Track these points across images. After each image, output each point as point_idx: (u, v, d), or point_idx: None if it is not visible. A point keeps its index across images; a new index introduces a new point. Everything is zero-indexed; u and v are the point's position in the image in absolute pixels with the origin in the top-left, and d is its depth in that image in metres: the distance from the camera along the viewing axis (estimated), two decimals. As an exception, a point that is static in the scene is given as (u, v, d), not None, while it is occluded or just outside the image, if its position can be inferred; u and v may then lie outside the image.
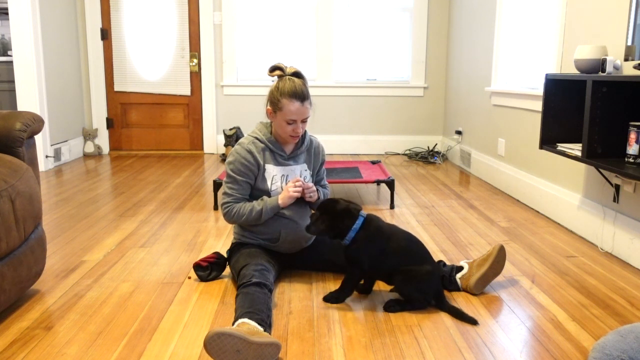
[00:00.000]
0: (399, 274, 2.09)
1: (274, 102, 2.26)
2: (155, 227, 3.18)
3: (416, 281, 2.07)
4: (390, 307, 2.10)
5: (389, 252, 2.11)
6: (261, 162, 2.30)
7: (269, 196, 2.32)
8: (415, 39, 5.85)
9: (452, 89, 5.67)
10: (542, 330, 1.97)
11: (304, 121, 2.28)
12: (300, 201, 2.38)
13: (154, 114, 5.96)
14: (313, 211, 2.49)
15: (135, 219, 3.34)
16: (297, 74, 2.29)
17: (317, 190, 2.42)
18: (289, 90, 2.22)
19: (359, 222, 2.13)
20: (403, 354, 1.79)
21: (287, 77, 2.27)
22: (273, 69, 2.29)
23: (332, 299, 2.17)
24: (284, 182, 2.34)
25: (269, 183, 2.32)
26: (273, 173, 2.32)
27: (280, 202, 2.27)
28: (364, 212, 2.17)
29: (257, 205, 2.27)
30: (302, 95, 2.23)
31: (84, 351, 1.79)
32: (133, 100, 5.91)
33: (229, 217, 2.32)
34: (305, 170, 2.42)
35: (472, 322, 2.03)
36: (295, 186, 2.27)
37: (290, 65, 2.32)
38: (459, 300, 2.20)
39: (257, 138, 2.34)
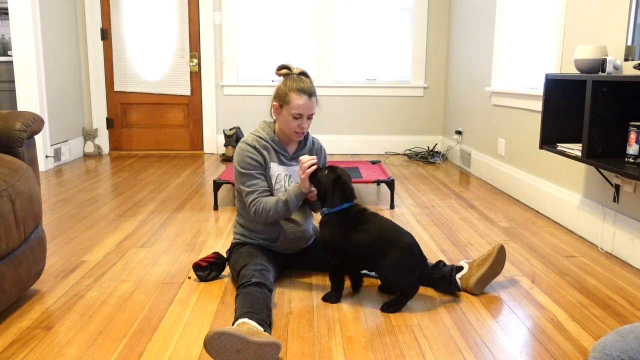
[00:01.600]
0: (377, 269, 2.10)
1: (282, 96, 2.27)
2: (155, 227, 3.18)
3: (394, 266, 2.06)
4: (388, 308, 2.10)
5: (354, 241, 2.11)
6: (267, 158, 2.31)
7: (272, 193, 2.31)
8: (415, 39, 5.85)
9: (452, 89, 5.67)
10: (542, 330, 1.97)
11: (309, 117, 2.29)
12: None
13: (154, 114, 5.96)
14: (314, 212, 2.49)
15: (135, 219, 3.34)
16: (304, 74, 2.33)
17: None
18: (297, 86, 2.26)
19: (347, 205, 2.16)
20: (403, 354, 1.79)
21: (295, 75, 2.30)
22: (280, 68, 2.32)
23: (329, 298, 2.18)
24: (287, 182, 2.33)
25: (273, 181, 2.31)
26: (277, 172, 2.32)
27: (302, 187, 2.19)
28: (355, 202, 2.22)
29: (282, 196, 2.22)
30: (309, 91, 2.26)
31: (84, 351, 1.79)
32: (133, 100, 5.91)
33: (259, 216, 2.24)
34: None
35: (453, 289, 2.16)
36: (304, 164, 2.16)
37: (297, 66, 2.36)
38: (459, 300, 2.20)
39: (260, 137, 2.34)
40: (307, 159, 2.18)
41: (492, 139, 4.49)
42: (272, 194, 2.30)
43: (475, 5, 4.92)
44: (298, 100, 2.24)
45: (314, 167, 2.17)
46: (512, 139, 4.07)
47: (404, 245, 2.08)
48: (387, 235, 2.11)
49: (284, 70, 2.32)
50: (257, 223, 2.33)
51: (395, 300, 2.11)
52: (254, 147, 2.29)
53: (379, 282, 2.34)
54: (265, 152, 2.31)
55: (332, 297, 2.18)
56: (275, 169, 2.32)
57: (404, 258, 2.07)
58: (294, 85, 2.26)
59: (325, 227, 2.18)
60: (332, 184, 2.16)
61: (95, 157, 5.66)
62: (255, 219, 2.28)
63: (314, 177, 2.19)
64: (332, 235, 2.15)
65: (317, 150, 2.47)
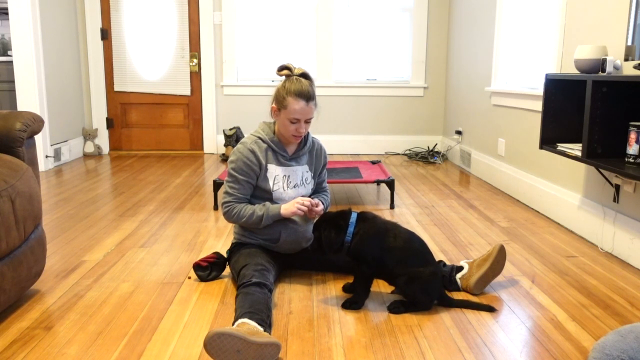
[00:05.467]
0: (402, 275, 2.08)
1: (280, 100, 2.27)
2: (155, 227, 3.18)
3: (420, 283, 2.07)
4: (394, 308, 2.09)
5: (390, 245, 2.09)
6: (263, 162, 2.31)
7: (271, 195, 2.32)
8: (415, 39, 5.85)
9: (452, 89, 5.67)
10: (542, 330, 1.97)
11: (307, 121, 2.28)
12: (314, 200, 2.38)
13: (154, 114, 5.96)
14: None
15: (135, 219, 3.34)
16: (305, 75, 2.31)
17: (321, 202, 2.43)
18: (295, 90, 2.24)
19: (353, 216, 2.14)
20: (403, 354, 1.79)
21: (295, 77, 2.28)
22: (281, 69, 2.31)
23: (351, 305, 2.13)
24: (286, 182, 2.34)
25: (270, 183, 2.32)
26: (275, 173, 2.33)
27: (282, 212, 2.27)
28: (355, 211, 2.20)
29: (258, 210, 2.28)
30: (307, 95, 2.24)
31: (84, 351, 1.79)
32: (133, 100, 5.91)
33: (228, 217, 2.32)
34: (307, 171, 2.42)
35: (489, 309, 2.08)
36: (304, 204, 2.26)
37: (298, 66, 2.34)
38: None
39: (260, 138, 2.34)
40: (304, 202, 2.27)
41: (492, 139, 4.49)
42: (249, 202, 2.34)
43: (475, 5, 4.92)
44: (295, 105, 2.23)
45: (302, 212, 2.26)
46: (512, 139, 4.07)
47: (435, 271, 2.10)
48: (422, 247, 2.14)
49: (285, 71, 2.31)
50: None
51: (404, 303, 2.10)
52: (253, 152, 2.30)
53: (380, 284, 2.34)
54: (264, 154, 2.31)
55: (356, 303, 2.13)
56: (273, 170, 2.33)
57: (430, 280, 2.08)
58: (292, 88, 2.24)
59: (358, 240, 2.11)
60: (329, 229, 2.13)
61: (95, 157, 5.66)
62: (223, 216, 2.35)
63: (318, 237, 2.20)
64: (368, 245, 2.10)
65: (317, 150, 2.47)
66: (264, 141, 2.33)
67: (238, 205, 2.30)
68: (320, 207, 2.33)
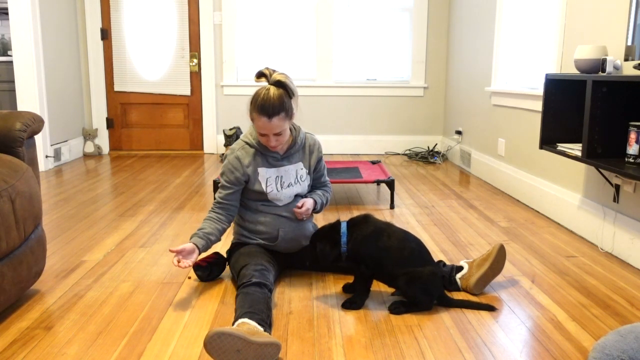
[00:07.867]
0: (402, 275, 2.08)
1: (249, 112, 2.23)
2: (155, 227, 3.18)
3: (421, 282, 2.06)
4: (395, 308, 2.09)
5: (386, 244, 2.09)
6: (250, 168, 2.30)
7: (266, 196, 2.32)
8: (415, 39, 5.85)
9: (452, 89, 5.67)
10: (542, 330, 1.97)
11: (277, 134, 2.22)
12: (298, 201, 2.39)
13: (154, 114, 5.96)
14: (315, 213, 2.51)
15: (135, 219, 3.34)
16: (279, 83, 2.18)
17: (314, 201, 2.42)
18: (259, 104, 2.15)
19: (343, 225, 2.15)
20: (403, 354, 1.79)
21: (267, 87, 2.19)
22: (259, 75, 2.23)
23: (351, 305, 2.13)
24: (279, 183, 2.33)
25: (263, 185, 2.31)
26: (267, 175, 2.32)
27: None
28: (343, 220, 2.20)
29: (200, 238, 2.24)
30: (270, 111, 2.14)
31: (84, 351, 1.79)
32: (133, 100, 5.91)
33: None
34: (302, 169, 2.41)
35: (490, 309, 2.09)
36: (179, 262, 2.12)
37: (278, 72, 2.23)
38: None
39: (247, 142, 2.33)
40: (178, 261, 2.14)
41: (492, 139, 4.49)
42: (231, 205, 2.34)
43: (475, 5, 4.92)
44: (258, 122, 2.18)
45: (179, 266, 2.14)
46: (512, 139, 4.07)
47: (434, 270, 2.11)
48: (418, 246, 2.14)
49: (262, 78, 2.22)
50: (255, 223, 2.35)
51: (404, 303, 2.10)
52: (239, 159, 2.30)
53: (380, 284, 2.34)
54: (251, 159, 2.30)
55: (355, 303, 2.13)
56: (264, 172, 2.32)
57: (430, 279, 2.08)
58: (257, 102, 2.16)
59: (355, 243, 2.12)
60: (323, 243, 2.14)
61: (95, 157, 5.66)
62: None
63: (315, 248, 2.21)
64: (364, 245, 2.10)
65: (310, 146, 2.43)
66: (251, 146, 2.32)
67: (215, 211, 2.34)
68: (305, 208, 2.33)
